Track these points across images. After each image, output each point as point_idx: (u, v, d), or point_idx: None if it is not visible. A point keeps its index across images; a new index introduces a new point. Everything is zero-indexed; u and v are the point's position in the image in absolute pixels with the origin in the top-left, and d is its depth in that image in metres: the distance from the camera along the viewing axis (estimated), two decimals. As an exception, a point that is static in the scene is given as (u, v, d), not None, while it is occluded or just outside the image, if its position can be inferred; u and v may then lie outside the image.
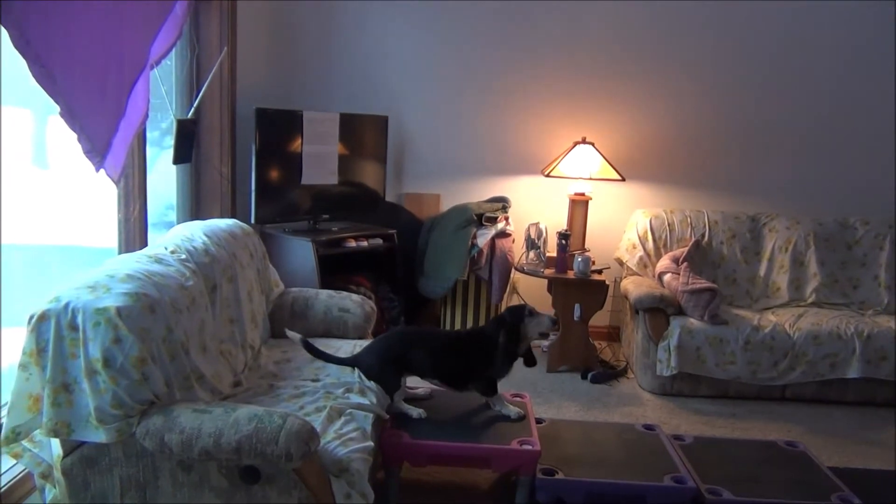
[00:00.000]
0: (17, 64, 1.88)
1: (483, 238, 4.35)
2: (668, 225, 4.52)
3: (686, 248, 4.37)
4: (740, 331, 3.89)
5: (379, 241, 4.27)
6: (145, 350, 1.95)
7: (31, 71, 1.90)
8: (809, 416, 3.81)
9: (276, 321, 3.23)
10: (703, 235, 4.49)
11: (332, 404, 2.42)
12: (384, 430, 2.59)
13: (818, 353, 3.85)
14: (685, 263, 4.22)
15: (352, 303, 3.27)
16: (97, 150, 2.24)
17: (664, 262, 4.36)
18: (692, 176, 4.79)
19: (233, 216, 3.89)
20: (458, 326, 4.53)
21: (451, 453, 2.59)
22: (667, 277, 4.20)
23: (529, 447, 2.57)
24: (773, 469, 2.78)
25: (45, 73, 1.94)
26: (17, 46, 1.83)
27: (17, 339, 1.97)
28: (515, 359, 2.80)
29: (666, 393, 4.00)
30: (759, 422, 3.72)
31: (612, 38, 4.64)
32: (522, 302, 4.77)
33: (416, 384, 2.88)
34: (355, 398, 2.53)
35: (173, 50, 3.16)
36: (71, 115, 2.09)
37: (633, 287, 4.18)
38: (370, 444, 2.28)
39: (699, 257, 4.41)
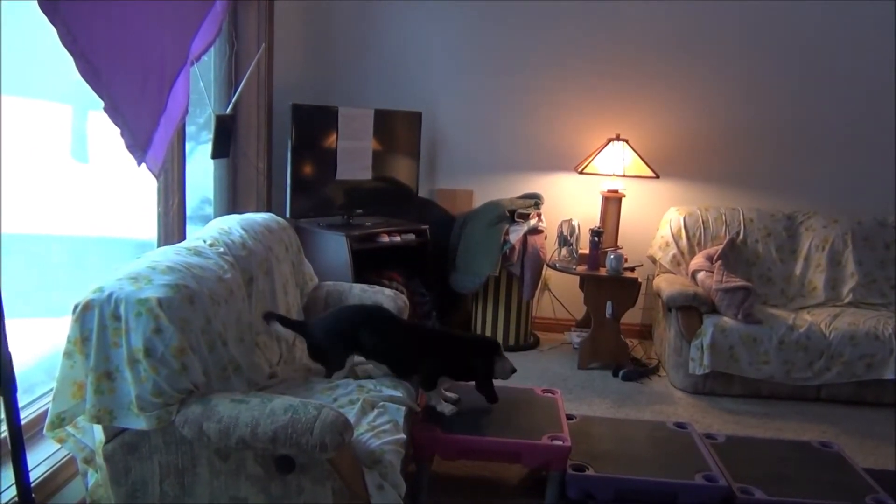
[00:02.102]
0: (58, 61, 1.93)
1: (515, 234, 4.35)
2: (703, 222, 4.48)
3: (720, 246, 4.33)
4: (775, 330, 3.85)
5: (411, 236, 4.29)
6: (185, 340, 2.00)
7: (76, 67, 1.94)
8: (845, 417, 3.76)
9: (311, 314, 3.26)
10: (737, 233, 4.44)
11: (366, 397, 2.45)
12: (416, 423, 2.62)
13: (854, 353, 3.80)
14: (719, 261, 4.18)
15: (384, 297, 3.29)
16: (139, 145, 2.28)
17: (698, 259, 4.32)
18: (727, 173, 4.74)
19: (268, 210, 3.94)
20: (490, 322, 4.54)
21: (481, 447, 2.62)
22: (700, 275, 4.17)
23: (560, 443, 2.58)
24: (806, 469, 2.75)
25: (91, 69, 1.99)
26: (64, 43, 1.88)
27: (61, 328, 2.03)
28: (459, 380, 2.79)
29: (698, 391, 3.97)
30: (792, 422, 3.68)
31: (646, 35, 4.61)
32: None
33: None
34: (388, 391, 2.56)
35: (213, 47, 3.21)
36: (114, 111, 2.13)
37: (666, 285, 4.16)
38: (402, 436, 2.30)
39: (734, 255, 4.37)
